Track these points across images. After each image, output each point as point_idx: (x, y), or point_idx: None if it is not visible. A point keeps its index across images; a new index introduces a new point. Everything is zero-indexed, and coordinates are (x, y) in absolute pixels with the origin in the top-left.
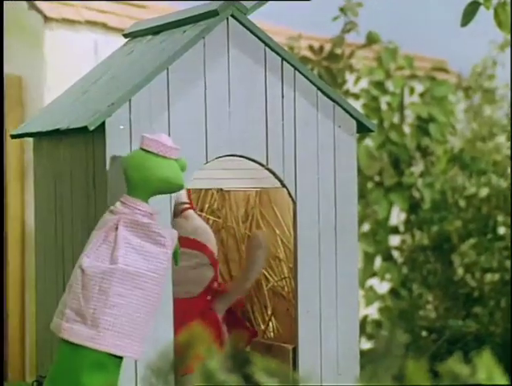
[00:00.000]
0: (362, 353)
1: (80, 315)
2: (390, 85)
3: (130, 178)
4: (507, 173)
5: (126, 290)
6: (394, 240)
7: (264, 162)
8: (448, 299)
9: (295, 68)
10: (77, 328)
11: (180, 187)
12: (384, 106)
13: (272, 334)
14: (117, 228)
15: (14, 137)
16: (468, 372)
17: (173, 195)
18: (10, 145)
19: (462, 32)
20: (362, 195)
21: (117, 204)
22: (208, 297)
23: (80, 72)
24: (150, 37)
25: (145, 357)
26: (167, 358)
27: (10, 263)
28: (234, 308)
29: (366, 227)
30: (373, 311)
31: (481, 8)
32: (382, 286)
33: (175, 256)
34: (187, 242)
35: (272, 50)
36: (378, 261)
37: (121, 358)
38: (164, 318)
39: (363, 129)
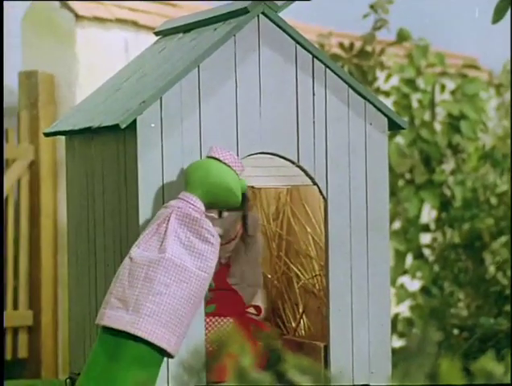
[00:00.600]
0: (394, 351)
1: (123, 301)
2: (420, 83)
3: (191, 176)
4: None
5: (172, 281)
6: (425, 238)
7: (295, 160)
8: (480, 297)
9: (326, 66)
10: (119, 314)
11: (237, 202)
12: (415, 104)
13: (303, 332)
14: (168, 220)
15: (47, 135)
16: (502, 370)
17: None
18: (43, 142)
19: (493, 29)
20: (393, 192)
21: (173, 200)
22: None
23: (111, 70)
24: (181, 35)
25: (177, 355)
26: (199, 355)
27: (42, 260)
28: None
29: (397, 225)
30: (404, 309)
31: None
32: (413, 284)
33: None
34: None
35: (303, 47)
36: (409, 259)
37: (161, 356)
38: (196, 316)
39: (394, 127)
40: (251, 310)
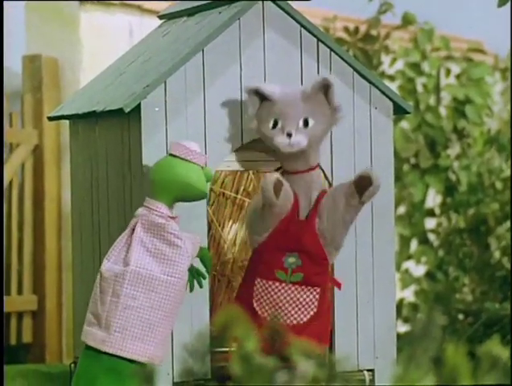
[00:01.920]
0: (398, 336)
1: (97, 317)
2: (426, 67)
3: (154, 181)
4: None
5: (139, 293)
6: (430, 223)
7: None
8: (485, 282)
9: (331, 50)
10: (94, 331)
11: (202, 195)
12: (420, 88)
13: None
14: (134, 230)
15: (50, 119)
16: (507, 355)
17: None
18: (47, 127)
19: (499, 13)
20: (398, 177)
21: (140, 209)
22: None
23: (115, 54)
24: (185, 18)
25: (181, 338)
26: (203, 339)
27: (47, 245)
28: None
29: (402, 209)
30: (409, 294)
31: None
32: (418, 269)
33: (205, 264)
34: None
35: (308, 31)
36: (414, 244)
37: (139, 365)
38: (200, 300)
39: (399, 111)
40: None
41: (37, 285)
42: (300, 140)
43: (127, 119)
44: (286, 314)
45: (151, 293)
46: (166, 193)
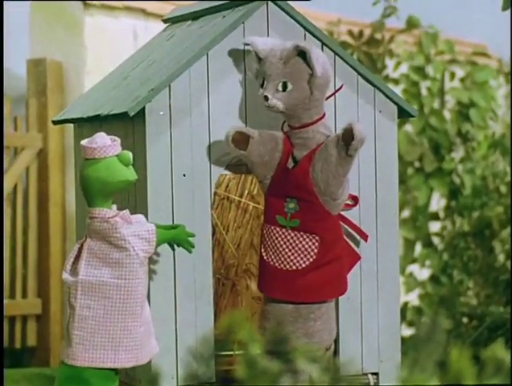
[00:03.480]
0: (403, 340)
1: (65, 332)
2: (430, 70)
3: (83, 189)
4: None
5: (93, 301)
6: (435, 227)
7: None
8: (489, 286)
9: (336, 53)
10: (63, 346)
11: (126, 183)
12: (424, 91)
13: None
14: (84, 240)
15: (55, 123)
16: (509, 358)
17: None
18: (52, 130)
19: (503, 16)
20: (402, 180)
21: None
22: None
23: (119, 58)
24: (189, 22)
25: (186, 342)
26: (207, 343)
27: (51, 249)
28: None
29: (406, 213)
30: (413, 298)
31: None
32: (423, 273)
33: (178, 243)
34: None
35: (312, 35)
36: (418, 248)
37: (106, 371)
38: (204, 305)
39: (404, 115)
40: (349, 201)
41: (41, 288)
42: (277, 103)
43: (132, 123)
44: (285, 259)
45: (104, 299)
46: (95, 197)
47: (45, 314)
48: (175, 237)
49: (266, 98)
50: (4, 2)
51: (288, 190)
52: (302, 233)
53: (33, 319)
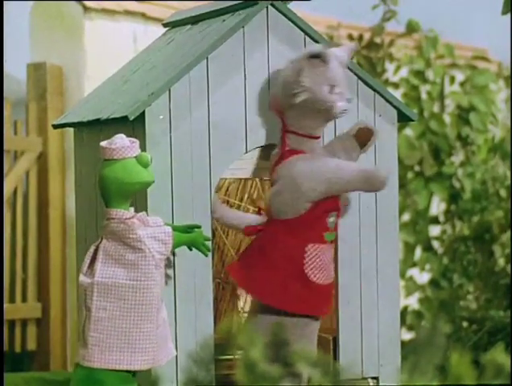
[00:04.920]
0: (403, 344)
1: (80, 333)
2: (430, 74)
3: (101, 190)
4: None
5: (108, 303)
6: (435, 230)
7: None
8: (489, 290)
9: None
10: (79, 347)
11: (144, 185)
12: (424, 95)
13: None
14: (100, 241)
15: (55, 127)
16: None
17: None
18: (52, 135)
19: (503, 20)
20: (402, 184)
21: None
22: None
23: (119, 62)
24: (189, 26)
25: (185, 346)
26: (208, 348)
27: (51, 253)
28: None
29: (406, 217)
30: (413, 302)
31: None
32: (423, 277)
33: (195, 246)
34: None
35: (312, 39)
36: (418, 252)
37: (120, 373)
38: (204, 309)
39: (403, 119)
40: None
41: (41, 292)
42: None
43: (132, 127)
44: (329, 273)
45: (120, 301)
46: (112, 198)
47: (45, 318)
48: (191, 241)
49: (349, 100)
50: (4, 5)
51: (331, 204)
52: (334, 244)
53: (33, 323)
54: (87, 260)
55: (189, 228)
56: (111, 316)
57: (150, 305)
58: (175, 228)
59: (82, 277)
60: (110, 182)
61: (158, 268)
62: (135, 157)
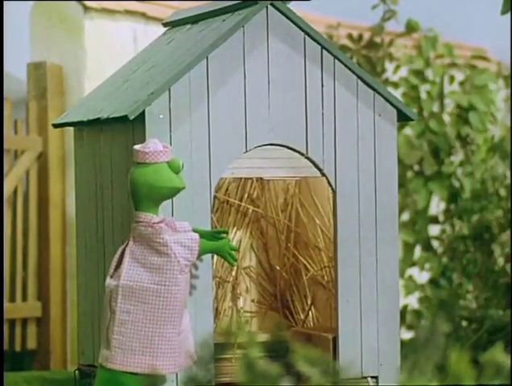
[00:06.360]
0: (402, 343)
1: (103, 335)
2: (429, 74)
3: (131, 192)
4: None
5: (132, 306)
6: (434, 230)
7: (304, 151)
8: (488, 289)
9: (335, 57)
10: (102, 348)
11: (176, 190)
12: (423, 95)
13: (312, 323)
14: (127, 244)
15: (55, 126)
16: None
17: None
18: (52, 134)
19: (502, 20)
20: (402, 184)
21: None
22: None
23: (119, 61)
24: (189, 26)
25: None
26: (207, 347)
27: (51, 252)
28: None
29: (406, 216)
30: (412, 301)
31: None
32: (422, 276)
33: (220, 255)
34: None
35: (312, 38)
36: (418, 251)
37: (143, 376)
38: (204, 309)
39: (403, 118)
40: None
41: (42, 291)
42: None
43: (131, 126)
44: None
45: (144, 304)
46: (142, 201)
47: (45, 317)
48: (218, 249)
49: None
50: (4, 5)
51: None
52: None
53: (33, 322)
54: (113, 263)
55: (216, 233)
56: (134, 319)
57: (174, 310)
58: (201, 234)
59: (109, 280)
60: (141, 185)
61: (183, 273)
62: (167, 162)
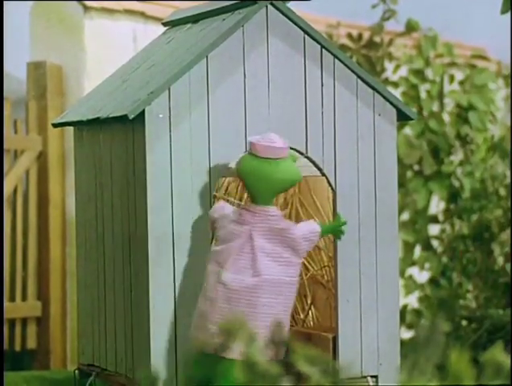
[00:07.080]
0: (402, 342)
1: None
2: (429, 73)
3: (252, 187)
4: None
5: (272, 299)
6: (434, 229)
7: (303, 151)
8: (488, 288)
9: (335, 56)
10: (217, 342)
11: (298, 180)
12: (423, 94)
13: (312, 323)
14: (252, 238)
15: (55, 125)
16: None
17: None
18: (52, 133)
19: (502, 19)
20: (401, 183)
21: (243, 213)
22: None
23: (119, 61)
24: (189, 25)
25: (185, 345)
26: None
27: (51, 251)
28: None
29: (406, 216)
30: (412, 300)
31: None
32: (422, 275)
33: (335, 233)
34: None
35: (311, 38)
36: (418, 250)
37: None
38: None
39: (403, 118)
40: None
41: (41, 291)
42: None
43: (131, 126)
44: None
45: (280, 296)
46: (267, 196)
47: (45, 317)
48: (332, 230)
49: None
50: (4, 5)
51: None
52: None
53: (33, 322)
54: (232, 258)
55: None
56: (274, 312)
57: (293, 300)
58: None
59: (233, 276)
60: (274, 183)
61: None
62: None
